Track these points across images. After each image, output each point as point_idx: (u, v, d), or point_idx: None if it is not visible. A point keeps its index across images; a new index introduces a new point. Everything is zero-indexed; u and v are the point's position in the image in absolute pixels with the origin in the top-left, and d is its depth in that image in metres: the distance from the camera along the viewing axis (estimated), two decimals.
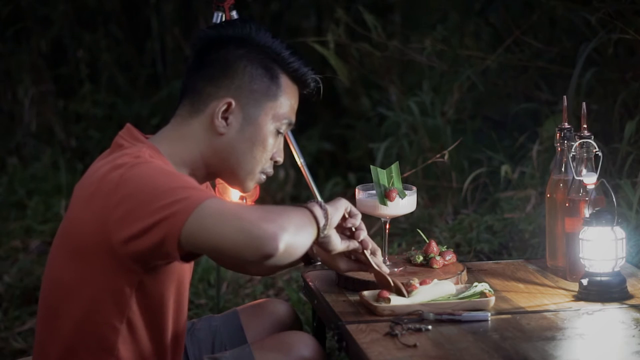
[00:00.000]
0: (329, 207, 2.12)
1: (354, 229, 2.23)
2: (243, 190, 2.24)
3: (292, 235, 1.95)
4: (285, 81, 2.20)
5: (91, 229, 2.02)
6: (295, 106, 2.24)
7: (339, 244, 2.20)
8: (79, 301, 2.07)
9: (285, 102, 2.21)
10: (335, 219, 2.15)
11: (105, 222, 2.00)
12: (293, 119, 2.24)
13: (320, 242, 2.16)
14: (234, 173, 2.20)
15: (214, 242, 1.93)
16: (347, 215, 2.21)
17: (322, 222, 2.09)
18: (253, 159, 2.19)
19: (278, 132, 2.21)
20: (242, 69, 2.17)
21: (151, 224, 1.95)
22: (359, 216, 2.24)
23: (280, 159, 2.24)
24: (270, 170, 2.24)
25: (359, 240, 2.24)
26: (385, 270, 2.29)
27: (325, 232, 2.11)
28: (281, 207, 2.02)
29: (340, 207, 2.17)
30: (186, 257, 2.01)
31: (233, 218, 1.92)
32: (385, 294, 2.24)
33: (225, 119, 2.16)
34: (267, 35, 2.20)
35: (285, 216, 1.97)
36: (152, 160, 2.06)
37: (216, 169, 2.20)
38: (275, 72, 2.19)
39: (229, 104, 2.16)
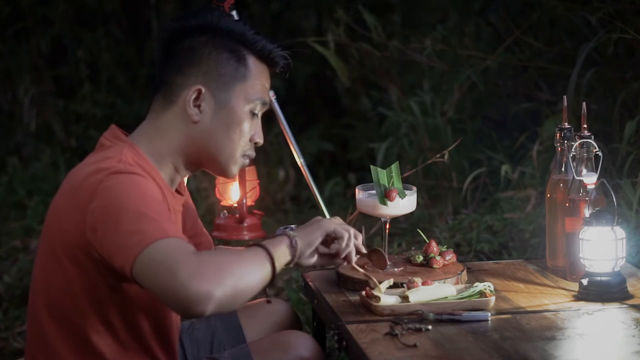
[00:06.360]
0: (300, 242, 2.09)
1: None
2: (228, 176, 2.24)
3: (232, 286, 1.90)
4: (252, 61, 2.20)
5: (70, 225, 2.03)
6: (267, 85, 2.24)
7: (311, 262, 2.19)
8: (59, 300, 2.08)
9: (256, 82, 2.20)
10: (307, 252, 2.13)
11: (82, 223, 2.01)
12: (267, 99, 2.23)
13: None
14: (215, 159, 2.20)
15: (151, 288, 1.91)
16: (330, 239, 2.19)
17: (285, 259, 2.07)
18: (231, 142, 2.18)
19: (253, 114, 2.21)
20: (208, 55, 2.17)
21: (114, 248, 1.94)
22: (345, 239, 2.20)
23: (260, 140, 2.24)
24: (252, 153, 2.23)
25: (342, 257, 2.23)
26: (362, 251, 2.28)
27: (294, 263, 2.11)
28: (230, 255, 1.98)
29: (315, 239, 2.14)
30: None
31: (168, 272, 1.87)
32: (370, 292, 2.25)
33: (198, 106, 2.17)
34: (230, 20, 2.20)
35: (228, 268, 1.91)
36: (132, 169, 2.05)
37: (196, 157, 2.20)
38: (241, 53, 2.19)
39: (199, 91, 2.16)
